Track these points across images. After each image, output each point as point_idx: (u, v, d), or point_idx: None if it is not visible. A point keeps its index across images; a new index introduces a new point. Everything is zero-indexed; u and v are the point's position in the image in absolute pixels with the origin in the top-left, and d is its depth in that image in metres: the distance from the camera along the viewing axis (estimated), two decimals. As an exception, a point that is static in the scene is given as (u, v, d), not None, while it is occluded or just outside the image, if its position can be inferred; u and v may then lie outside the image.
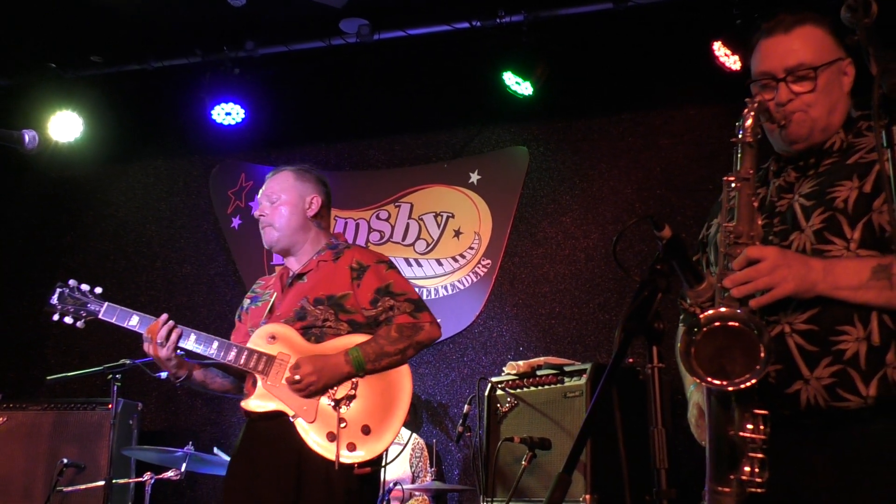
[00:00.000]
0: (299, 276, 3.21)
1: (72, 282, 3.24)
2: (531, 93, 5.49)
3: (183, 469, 4.61)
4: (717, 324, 1.83)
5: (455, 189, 6.08)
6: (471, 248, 5.96)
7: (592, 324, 5.50)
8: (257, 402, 3.03)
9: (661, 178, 5.55)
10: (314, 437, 2.94)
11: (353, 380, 3.01)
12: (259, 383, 3.04)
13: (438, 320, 3.19)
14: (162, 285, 6.36)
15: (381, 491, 3.16)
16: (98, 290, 3.25)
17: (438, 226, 6.06)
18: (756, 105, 1.98)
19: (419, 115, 6.16)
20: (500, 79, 5.47)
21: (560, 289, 5.66)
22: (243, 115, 5.96)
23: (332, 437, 2.92)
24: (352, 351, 2.99)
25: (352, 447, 2.93)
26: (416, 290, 5.78)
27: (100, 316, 3.21)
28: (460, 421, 4.62)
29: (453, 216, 6.05)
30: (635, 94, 5.72)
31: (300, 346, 3.06)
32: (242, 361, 3.05)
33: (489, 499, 4.27)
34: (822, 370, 1.86)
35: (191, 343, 3.09)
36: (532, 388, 4.40)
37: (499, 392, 4.52)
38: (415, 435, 5.34)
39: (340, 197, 6.28)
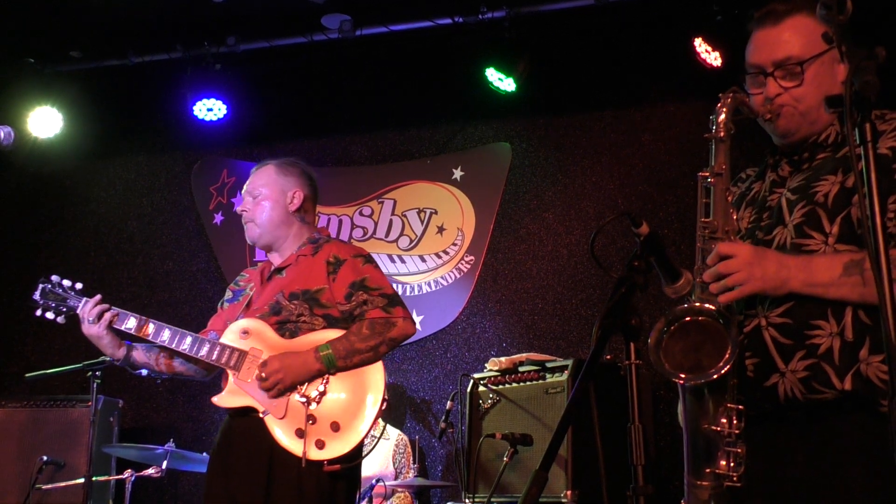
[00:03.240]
0: (278, 270, 3.20)
1: (54, 277, 3.24)
2: (514, 89, 5.48)
3: (164, 466, 4.59)
4: (687, 318, 1.84)
5: (438, 185, 6.07)
6: (454, 244, 5.96)
7: (574, 320, 5.52)
8: (228, 397, 3.03)
9: (643, 174, 5.56)
10: (283, 434, 2.92)
11: (325, 376, 2.98)
12: (231, 378, 3.04)
13: (414, 316, 3.16)
14: (143, 282, 6.32)
15: (359, 487, 3.13)
16: (79, 285, 3.25)
17: (422, 222, 6.06)
18: (729, 100, 1.97)
19: (402, 112, 6.15)
20: (483, 75, 5.47)
21: (543, 285, 5.66)
22: (225, 111, 5.93)
23: (300, 433, 2.90)
24: (322, 348, 2.96)
25: (320, 444, 2.90)
26: (399, 286, 5.87)
27: (78, 311, 3.20)
28: (443, 417, 4.62)
29: (436, 212, 6.04)
30: (617, 91, 5.74)
31: (273, 341, 3.04)
32: (214, 357, 3.05)
33: (471, 495, 4.28)
34: (796, 363, 1.86)
35: (165, 338, 3.10)
36: (514, 385, 4.41)
37: (481, 388, 4.53)
38: (398, 431, 5.34)
39: (323, 193, 6.15)
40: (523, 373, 4.41)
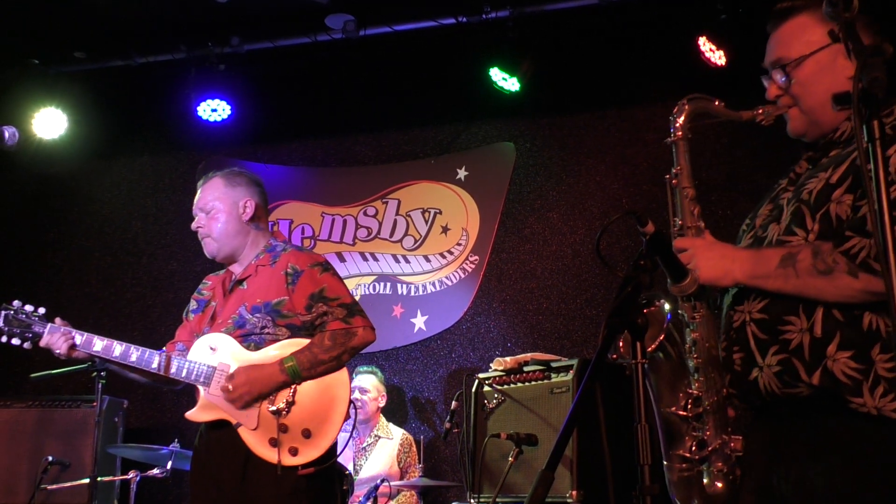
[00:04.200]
0: (239, 281, 3.24)
1: (16, 303, 3.26)
2: (518, 88, 5.49)
3: (168, 467, 4.60)
4: (644, 311, 1.92)
5: (442, 185, 6.07)
6: (458, 244, 5.95)
7: (579, 319, 5.51)
8: (200, 412, 3.11)
9: (648, 173, 5.55)
10: (258, 443, 3.01)
11: (292, 386, 3.06)
12: (202, 393, 3.11)
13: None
14: (148, 282, 6.33)
15: (337, 482, 3.25)
16: (41, 310, 3.26)
17: (426, 222, 6.06)
18: (686, 106, 2.07)
19: (406, 111, 6.14)
20: (487, 75, 5.47)
21: (547, 284, 5.66)
22: (229, 112, 5.94)
23: (273, 442, 3.00)
24: (287, 360, 3.04)
25: (294, 451, 3.00)
26: (404, 286, 5.86)
27: (42, 342, 3.22)
28: (448, 417, 4.62)
29: (441, 212, 6.04)
30: (621, 90, 5.73)
31: (239, 354, 3.11)
32: (184, 375, 3.12)
33: (476, 495, 4.27)
34: (770, 358, 1.90)
35: (133, 359, 3.14)
36: (519, 384, 4.40)
37: (486, 388, 4.52)
38: (402, 431, 5.34)
39: (327, 193, 6.27)
40: (528, 373, 4.40)
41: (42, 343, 3.17)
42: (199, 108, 5.90)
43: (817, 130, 2.03)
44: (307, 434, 3.03)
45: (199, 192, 3.34)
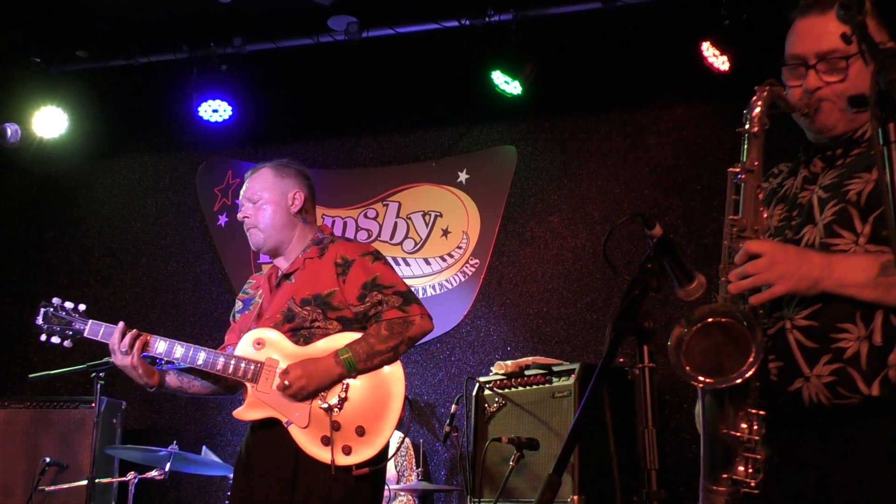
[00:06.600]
0: (287, 275, 3.13)
1: (55, 300, 3.15)
2: (520, 92, 5.47)
3: (167, 469, 4.57)
4: (709, 319, 1.78)
5: (443, 188, 6.06)
6: (459, 247, 5.94)
7: (580, 324, 5.50)
8: (248, 410, 2.98)
9: (649, 177, 5.55)
10: (309, 442, 2.89)
11: (344, 382, 2.94)
12: (249, 391, 2.98)
13: (429, 312, 3.10)
14: (147, 283, 6.31)
15: (384, 489, 3.10)
16: (82, 307, 3.16)
17: (426, 225, 6.04)
18: (765, 93, 1.88)
19: (408, 114, 6.14)
20: (489, 77, 5.46)
21: (548, 288, 5.65)
22: (230, 112, 5.92)
23: (326, 441, 2.87)
24: (342, 352, 2.92)
25: (347, 450, 2.87)
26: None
27: (85, 334, 3.12)
28: (447, 421, 4.61)
29: (441, 215, 6.02)
30: (624, 94, 5.72)
31: (288, 349, 2.99)
32: (231, 370, 2.98)
33: (476, 499, 4.26)
34: (821, 368, 1.80)
35: (178, 355, 3.02)
36: (520, 388, 4.39)
37: (486, 392, 4.51)
38: (400, 434, 5.31)
39: (328, 195, 6.25)
40: (529, 377, 4.39)
41: (110, 342, 3.03)
42: (200, 109, 5.88)
43: (846, 128, 1.93)
44: (361, 432, 2.90)
45: (246, 182, 3.23)
